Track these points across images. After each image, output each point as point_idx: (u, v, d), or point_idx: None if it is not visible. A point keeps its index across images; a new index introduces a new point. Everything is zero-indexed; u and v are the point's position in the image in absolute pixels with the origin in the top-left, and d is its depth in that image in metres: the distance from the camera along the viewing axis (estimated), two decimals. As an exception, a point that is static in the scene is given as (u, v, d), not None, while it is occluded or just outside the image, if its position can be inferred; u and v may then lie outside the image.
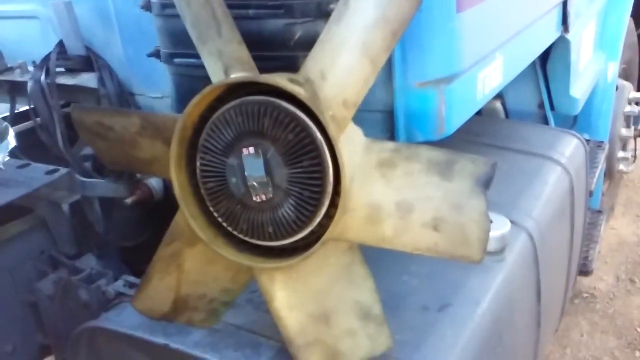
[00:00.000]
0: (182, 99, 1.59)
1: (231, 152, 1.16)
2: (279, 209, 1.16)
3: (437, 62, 1.39)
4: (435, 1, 1.33)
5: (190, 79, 1.53)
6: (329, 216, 1.15)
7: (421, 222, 1.13)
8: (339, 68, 1.14)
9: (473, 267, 1.33)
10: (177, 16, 1.34)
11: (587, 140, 2.46)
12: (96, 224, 1.97)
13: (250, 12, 1.37)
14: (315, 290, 1.24)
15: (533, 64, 2.30)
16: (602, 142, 2.82)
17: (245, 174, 1.14)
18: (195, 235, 1.26)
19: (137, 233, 2.13)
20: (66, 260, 1.77)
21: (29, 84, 1.93)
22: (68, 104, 2.01)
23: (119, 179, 1.98)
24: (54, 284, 1.71)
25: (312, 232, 1.18)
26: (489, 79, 1.63)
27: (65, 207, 1.83)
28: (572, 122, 2.82)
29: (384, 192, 1.15)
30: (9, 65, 2.11)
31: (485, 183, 1.10)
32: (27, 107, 2.06)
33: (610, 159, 3.25)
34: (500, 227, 1.55)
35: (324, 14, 1.28)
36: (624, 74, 3.43)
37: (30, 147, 1.99)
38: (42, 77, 1.91)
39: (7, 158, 1.68)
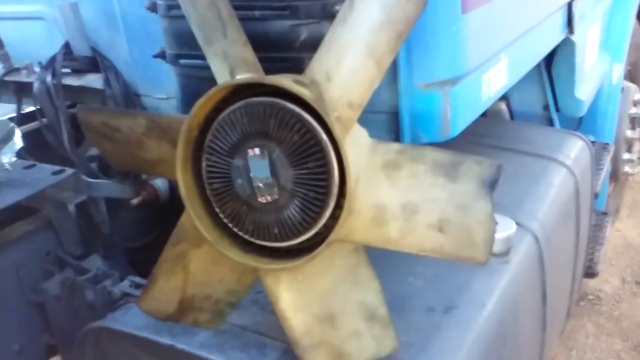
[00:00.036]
0: (187, 100, 1.59)
1: (237, 153, 1.16)
2: (285, 210, 1.16)
3: (442, 63, 1.39)
4: (441, 2, 1.33)
5: (196, 80, 1.53)
6: (335, 217, 1.15)
7: (427, 224, 1.12)
8: (344, 69, 1.14)
9: (478, 268, 1.33)
10: (182, 17, 1.34)
11: (593, 142, 2.45)
12: (102, 225, 1.97)
13: (256, 13, 1.37)
14: (321, 292, 1.24)
15: (538, 65, 2.30)
16: (608, 144, 2.81)
17: (251, 175, 1.15)
18: (201, 236, 1.27)
19: (143, 234, 2.14)
20: (72, 261, 1.77)
21: (35, 85, 1.94)
22: (74, 105, 2.02)
23: (125, 179, 1.99)
24: (60, 284, 1.71)
25: (317, 234, 1.18)
26: (494, 81, 1.62)
27: (71, 207, 1.83)
28: (578, 124, 2.81)
29: (389, 194, 1.15)
30: (15, 66, 2.12)
31: (491, 185, 1.10)
32: (33, 108, 2.07)
33: (616, 161, 3.24)
34: (505, 228, 1.55)
35: (329, 16, 1.28)
36: (630, 76, 3.42)
37: (37, 147, 1.99)
38: (49, 78, 1.92)
39: (14, 159, 1.69)
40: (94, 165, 1.97)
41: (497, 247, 1.46)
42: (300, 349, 1.24)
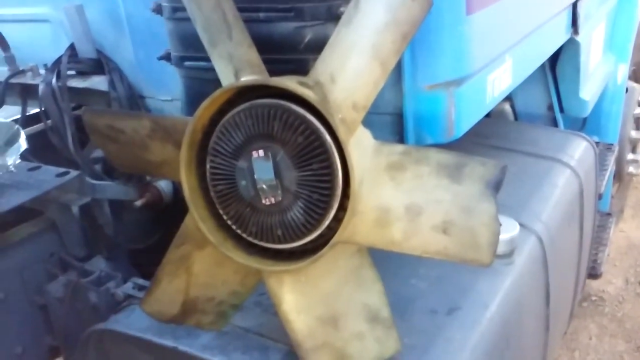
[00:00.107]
0: (192, 102, 1.59)
1: (241, 155, 1.17)
2: (288, 211, 1.16)
3: (447, 64, 1.39)
4: (445, 4, 1.33)
5: (201, 82, 1.53)
6: (338, 219, 1.15)
7: (430, 225, 1.12)
8: (348, 71, 1.14)
9: (482, 270, 1.32)
10: (187, 19, 1.35)
11: (597, 143, 2.45)
12: (106, 227, 1.98)
13: (261, 15, 1.37)
14: (324, 293, 1.24)
15: (542, 66, 2.30)
16: (612, 144, 2.81)
17: (255, 176, 1.15)
18: (205, 238, 1.27)
19: (147, 235, 2.14)
20: (76, 263, 1.78)
21: (40, 87, 1.94)
22: (79, 107, 2.02)
23: (129, 181, 1.99)
24: (64, 286, 1.71)
25: (321, 235, 1.18)
26: (499, 82, 1.62)
27: (75, 209, 1.84)
28: (582, 125, 2.81)
29: (393, 195, 1.14)
30: (20, 68, 2.13)
31: (495, 186, 1.10)
32: (38, 110, 2.08)
33: (620, 162, 3.24)
34: (509, 230, 1.54)
35: (334, 17, 1.28)
36: (634, 76, 3.42)
37: (41, 149, 2.00)
38: (54, 80, 1.92)
39: (19, 160, 1.69)
40: (98, 167, 1.98)
41: (500, 249, 1.45)
42: (303, 351, 1.24)
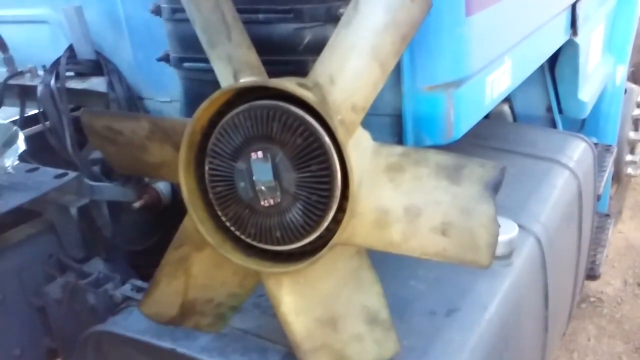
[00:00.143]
0: (191, 103, 1.59)
1: (240, 156, 1.16)
2: (287, 213, 1.16)
3: (446, 66, 1.39)
4: (445, 5, 1.33)
5: (200, 84, 1.53)
6: (337, 221, 1.15)
7: (429, 227, 1.12)
8: (348, 72, 1.14)
9: (481, 271, 1.33)
10: (186, 21, 1.34)
11: (595, 144, 2.45)
12: (104, 228, 1.97)
13: (260, 16, 1.37)
14: (323, 295, 1.24)
15: (541, 67, 2.30)
16: (610, 145, 2.81)
17: (254, 178, 1.15)
18: (203, 240, 1.27)
19: (145, 237, 2.14)
20: (74, 264, 1.77)
21: (39, 88, 1.94)
22: (77, 108, 2.02)
23: (127, 183, 1.99)
24: (62, 288, 1.71)
25: (319, 237, 1.17)
26: (498, 83, 1.62)
27: (73, 211, 1.83)
28: (580, 126, 2.81)
29: (392, 197, 1.14)
30: (19, 69, 2.12)
31: (494, 187, 1.10)
32: (36, 111, 2.07)
33: (619, 163, 3.24)
34: (508, 231, 1.55)
35: (334, 18, 1.28)
36: (633, 77, 3.43)
37: (40, 150, 2.00)
38: (52, 81, 1.92)
39: (17, 162, 1.69)
40: (96, 168, 1.97)
41: (499, 250, 1.46)
42: (302, 352, 1.24)
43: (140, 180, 2.03)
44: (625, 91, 3.13)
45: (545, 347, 1.83)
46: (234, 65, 1.24)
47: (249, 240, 1.24)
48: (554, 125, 2.56)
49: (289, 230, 1.17)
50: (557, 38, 2.15)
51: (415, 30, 1.16)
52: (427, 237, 1.13)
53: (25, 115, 2.23)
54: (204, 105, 1.19)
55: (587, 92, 2.51)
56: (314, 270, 1.20)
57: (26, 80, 2.09)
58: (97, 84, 1.96)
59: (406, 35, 1.16)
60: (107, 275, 1.69)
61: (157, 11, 1.57)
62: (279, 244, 1.20)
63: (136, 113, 1.93)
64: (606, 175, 2.58)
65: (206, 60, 1.30)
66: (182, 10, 1.35)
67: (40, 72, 2.03)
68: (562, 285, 2.00)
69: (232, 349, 1.33)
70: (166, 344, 1.36)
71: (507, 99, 2.51)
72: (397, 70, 1.38)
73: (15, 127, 1.75)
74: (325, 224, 1.15)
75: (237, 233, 1.24)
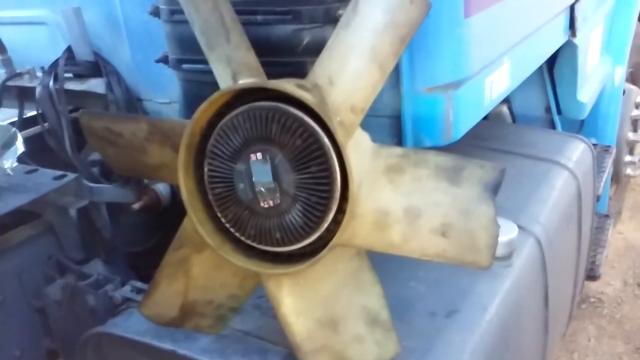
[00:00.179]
0: (190, 105, 1.59)
1: (239, 157, 1.16)
2: (287, 214, 1.16)
3: (445, 67, 1.39)
4: (444, 6, 1.33)
5: (199, 85, 1.53)
6: (337, 222, 1.15)
7: (429, 228, 1.12)
8: (347, 74, 1.14)
9: (481, 272, 1.33)
10: (185, 22, 1.34)
11: (594, 145, 2.45)
12: (104, 230, 1.97)
13: (259, 18, 1.37)
14: (323, 296, 1.24)
15: (540, 68, 2.30)
16: (610, 146, 2.81)
17: (253, 179, 1.15)
18: (203, 241, 1.27)
19: (145, 238, 2.14)
20: (74, 266, 1.77)
21: (38, 90, 1.94)
22: (76, 110, 2.02)
23: (127, 184, 1.99)
24: (62, 289, 1.71)
25: (319, 238, 1.17)
26: (497, 84, 1.62)
27: (72, 212, 1.83)
28: (579, 127, 2.82)
29: (391, 198, 1.14)
30: (17, 71, 2.12)
31: (494, 189, 1.10)
32: (35, 113, 2.07)
33: (618, 163, 3.25)
34: (507, 232, 1.54)
35: (333, 20, 1.28)
36: (631, 78, 3.43)
37: (39, 152, 1.99)
38: (51, 83, 1.92)
39: (16, 163, 1.69)
40: (95, 170, 1.97)
41: (499, 251, 1.45)
42: (303, 354, 1.24)
43: (139, 181, 2.03)
44: (624, 92, 3.13)
45: (545, 348, 1.83)
46: (233, 66, 1.24)
47: (248, 241, 1.24)
48: (552, 126, 2.56)
49: (289, 231, 1.17)
50: (555, 39, 2.15)
51: (414, 31, 1.16)
52: (427, 239, 1.13)
53: (24, 116, 2.23)
54: (203, 106, 1.19)
55: (586, 93, 2.51)
56: (314, 271, 1.20)
57: (25, 82, 2.09)
58: (96, 85, 1.96)
59: (405, 36, 1.16)
60: (107, 276, 1.69)
61: (155, 12, 1.57)
62: (278, 245, 1.20)
63: (135, 114, 1.93)
64: (605, 175, 2.58)
65: (205, 62, 1.30)
66: (181, 11, 1.35)
67: (39, 74, 2.03)
68: (562, 286, 2.00)
69: (232, 351, 1.33)
70: (166, 346, 1.36)
71: (506, 100, 2.51)
72: (396, 71, 1.38)
73: (14, 129, 1.75)
74: (325, 225, 1.15)
75: (237, 234, 1.24)
